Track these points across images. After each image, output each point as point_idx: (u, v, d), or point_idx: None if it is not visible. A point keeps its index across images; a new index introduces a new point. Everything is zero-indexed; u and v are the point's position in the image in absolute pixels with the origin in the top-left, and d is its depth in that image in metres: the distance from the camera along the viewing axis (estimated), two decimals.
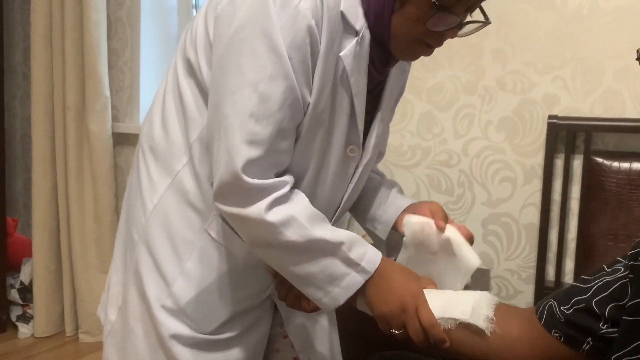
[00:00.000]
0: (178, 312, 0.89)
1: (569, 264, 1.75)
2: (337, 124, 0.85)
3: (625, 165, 1.57)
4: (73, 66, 2.30)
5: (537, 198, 1.78)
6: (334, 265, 0.80)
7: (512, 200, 1.82)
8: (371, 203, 1.05)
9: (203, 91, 0.84)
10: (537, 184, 1.78)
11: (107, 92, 2.34)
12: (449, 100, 1.88)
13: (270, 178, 0.79)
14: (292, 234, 0.78)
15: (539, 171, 1.77)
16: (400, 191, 1.07)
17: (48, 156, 2.41)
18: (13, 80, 2.91)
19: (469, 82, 1.85)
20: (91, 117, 2.32)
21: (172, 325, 0.89)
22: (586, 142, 1.66)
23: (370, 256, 0.81)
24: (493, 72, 1.81)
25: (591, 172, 1.62)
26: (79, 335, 2.47)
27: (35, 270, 2.43)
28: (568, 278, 1.75)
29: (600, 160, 1.61)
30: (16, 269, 2.59)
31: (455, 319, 0.78)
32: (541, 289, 1.74)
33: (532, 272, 1.80)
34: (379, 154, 1.11)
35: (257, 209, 0.77)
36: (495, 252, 1.86)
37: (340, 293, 0.81)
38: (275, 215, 0.77)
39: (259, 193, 0.77)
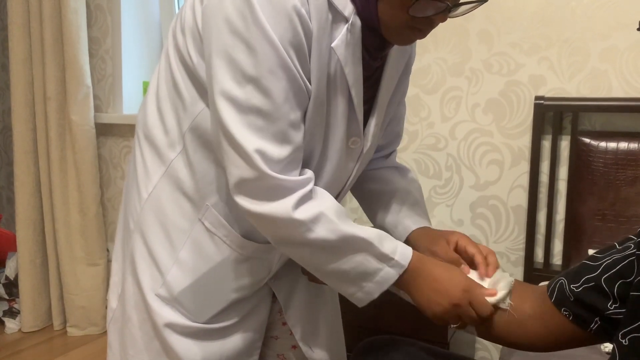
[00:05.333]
0: (172, 301, 0.89)
1: (558, 245, 1.75)
2: (335, 116, 0.84)
3: (612, 145, 1.57)
4: (53, 56, 2.25)
5: (524, 180, 1.78)
6: (367, 261, 0.79)
7: (500, 182, 1.81)
8: (383, 213, 1.04)
9: (195, 79, 0.83)
10: (525, 166, 1.77)
11: (89, 82, 2.30)
12: (435, 83, 1.87)
13: (294, 175, 0.77)
14: (322, 231, 0.77)
15: (527, 153, 1.76)
16: (415, 203, 1.05)
17: (30, 148, 2.37)
18: None
19: (455, 64, 1.83)
20: (73, 108, 2.28)
21: (167, 314, 0.88)
22: (573, 123, 1.66)
23: (402, 250, 0.81)
24: (479, 54, 1.79)
25: (578, 152, 1.62)
26: (67, 329, 2.44)
27: (20, 264, 2.40)
28: (557, 259, 1.76)
29: (587, 140, 1.61)
30: (1, 264, 2.55)
31: None
32: (530, 271, 1.74)
33: (521, 254, 1.80)
34: (396, 136, 1.10)
35: (284, 207, 0.76)
36: (483, 235, 1.86)
37: (374, 288, 0.81)
38: (304, 213, 0.76)
39: (285, 190, 0.76)
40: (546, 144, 1.72)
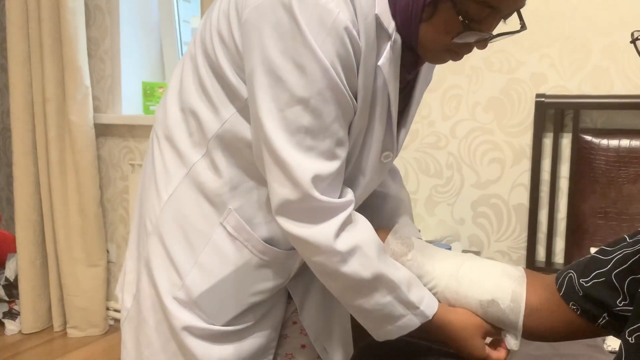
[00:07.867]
0: (191, 304, 0.88)
1: (560, 244, 1.74)
2: (374, 131, 0.84)
3: (614, 142, 1.56)
4: (51, 56, 2.25)
5: (526, 178, 1.77)
6: (392, 306, 0.81)
7: (502, 181, 1.80)
8: (373, 215, 1.05)
9: (225, 86, 0.82)
10: (526, 164, 1.76)
11: (88, 82, 2.29)
12: (435, 81, 1.86)
13: (336, 192, 0.78)
14: (356, 265, 0.77)
15: (528, 151, 1.75)
16: (405, 212, 1.06)
17: (29, 149, 2.36)
18: None
19: (455, 62, 1.82)
20: (72, 108, 2.27)
21: (185, 317, 0.88)
22: (574, 121, 1.65)
23: (428, 300, 0.83)
24: (479, 52, 1.78)
25: (580, 150, 1.61)
26: (67, 330, 2.43)
27: (20, 265, 2.39)
28: (559, 258, 1.75)
29: (589, 138, 1.60)
30: (1, 265, 2.54)
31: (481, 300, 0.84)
32: (532, 270, 1.73)
33: (523, 252, 1.79)
34: None
35: (326, 232, 0.76)
36: (485, 234, 1.85)
37: (394, 331, 0.83)
38: (344, 243, 0.77)
39: (328, 212, 0.76)
40: (547, 142, 1.71)
